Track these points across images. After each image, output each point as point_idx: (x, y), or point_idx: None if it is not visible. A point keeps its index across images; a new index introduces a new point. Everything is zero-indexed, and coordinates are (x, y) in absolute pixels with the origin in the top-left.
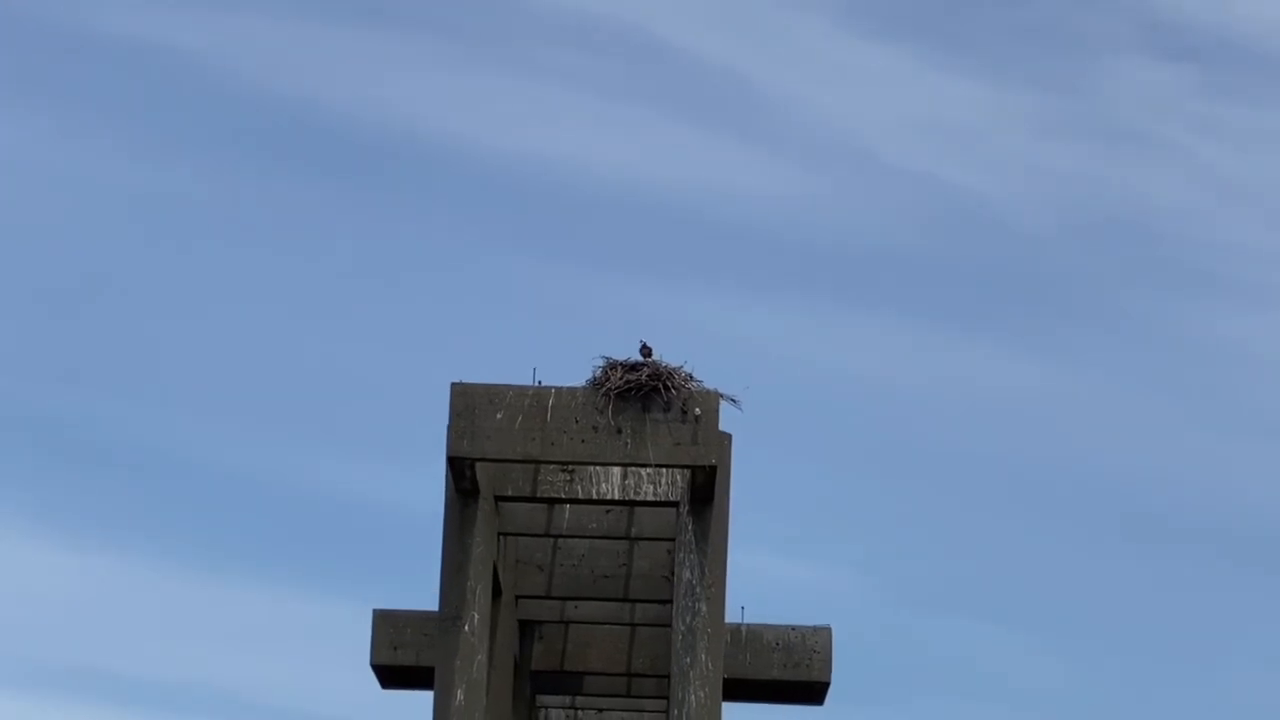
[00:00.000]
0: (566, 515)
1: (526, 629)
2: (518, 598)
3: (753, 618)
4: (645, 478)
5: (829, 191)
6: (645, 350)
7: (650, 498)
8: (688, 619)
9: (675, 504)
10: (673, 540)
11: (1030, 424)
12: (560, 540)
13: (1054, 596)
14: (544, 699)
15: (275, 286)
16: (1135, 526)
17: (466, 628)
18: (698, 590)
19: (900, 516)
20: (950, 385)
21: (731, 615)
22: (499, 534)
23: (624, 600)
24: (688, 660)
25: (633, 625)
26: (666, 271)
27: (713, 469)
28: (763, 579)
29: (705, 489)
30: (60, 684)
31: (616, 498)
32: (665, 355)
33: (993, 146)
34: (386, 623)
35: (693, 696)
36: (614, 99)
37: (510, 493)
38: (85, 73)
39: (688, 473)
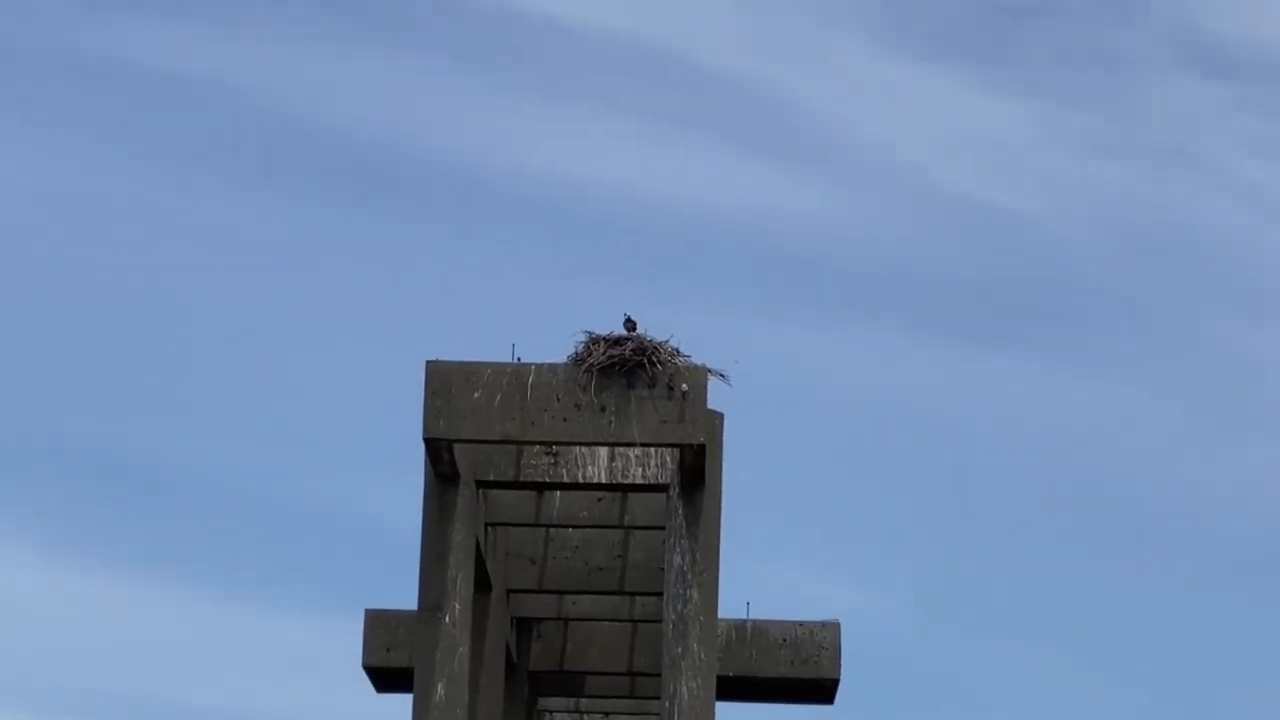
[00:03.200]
0: (557, 503)
1: (524, 627)
2: (509, 592)
3: (758, 613)
4: (634, 460)
5: (869, 212)
6: (629, 324)
7: (639, 480)
8: (679, 607)
9: (665, 487)
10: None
11: (1074, 441)
12: (552, 531)
13: (1074, 609)
14: (546, 701)
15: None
16: (1172, 544)
17: (447, 619)
18: (689, 577)
19: (930, 530)
20: (993, 404)
21: (736, 611)
22: (487, 524)
23: (621, 593)
24: (679, 650)
25: (633, 621)
26: (706, 291)
27: (701, 448)
28: (787, 593)
29: (695, 470)
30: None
31: (603, 481)
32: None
33: (1034, 166)
34: (379, 623)
35: (685, 688)
36: (652, 121)
37: (492, 477)
38: (102, 98)
39: (677, 454)
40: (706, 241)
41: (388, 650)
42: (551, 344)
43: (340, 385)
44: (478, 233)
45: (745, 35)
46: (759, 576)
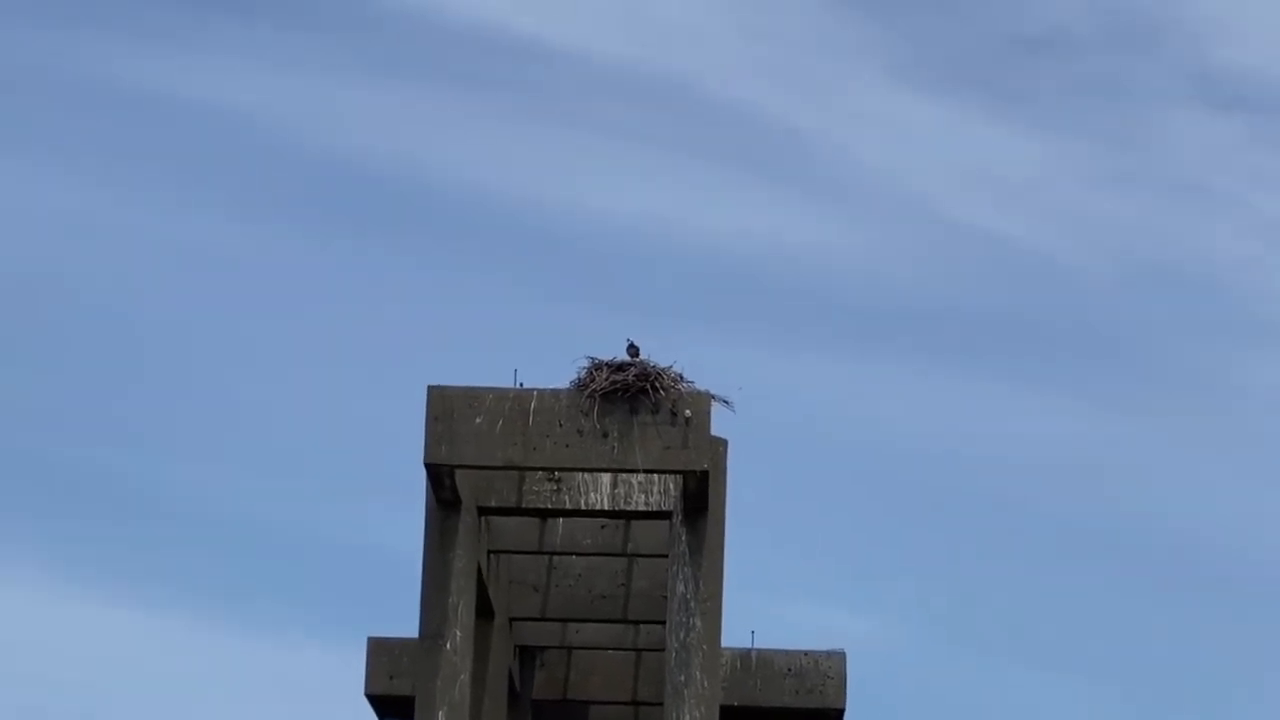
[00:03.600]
0: (560, 530)
1: (527, 655)
2: (512, 619)
3: (763, 643)
4: (636, 487)
5: (881, 243)
6: (632, 350)
7: (642, 507)
8: (681, 635)
9: (668, 514)
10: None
11: (1085, 472)
12: (555, 558)
13: (1083, 638)
14: None
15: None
16: (1185, 574)
17: (448, 646)
18: (692, 604)
19: (938, 561)
20: (1002, 434)
21: (741, 640)
22: (489, 551)
23: (624, 622)
24: (681, 678)
25: (637, 650)
26: (715, 322)
27: (705, 475)
28: (792, 623)
29: (698, 496)
30: None
31: (606, 508)
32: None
33: (1046, 199)
34: (382, 651)
35: (688, 717)
36: (663, 151)
37: (494, 504)
38: (137, 131)
39: (680, 480)
40: (715, 272)
41: (390, 678)
42: (554, 369)
43: (343, 411)
44: (485, 261)
45: (757, 66)
46: (764, 606)
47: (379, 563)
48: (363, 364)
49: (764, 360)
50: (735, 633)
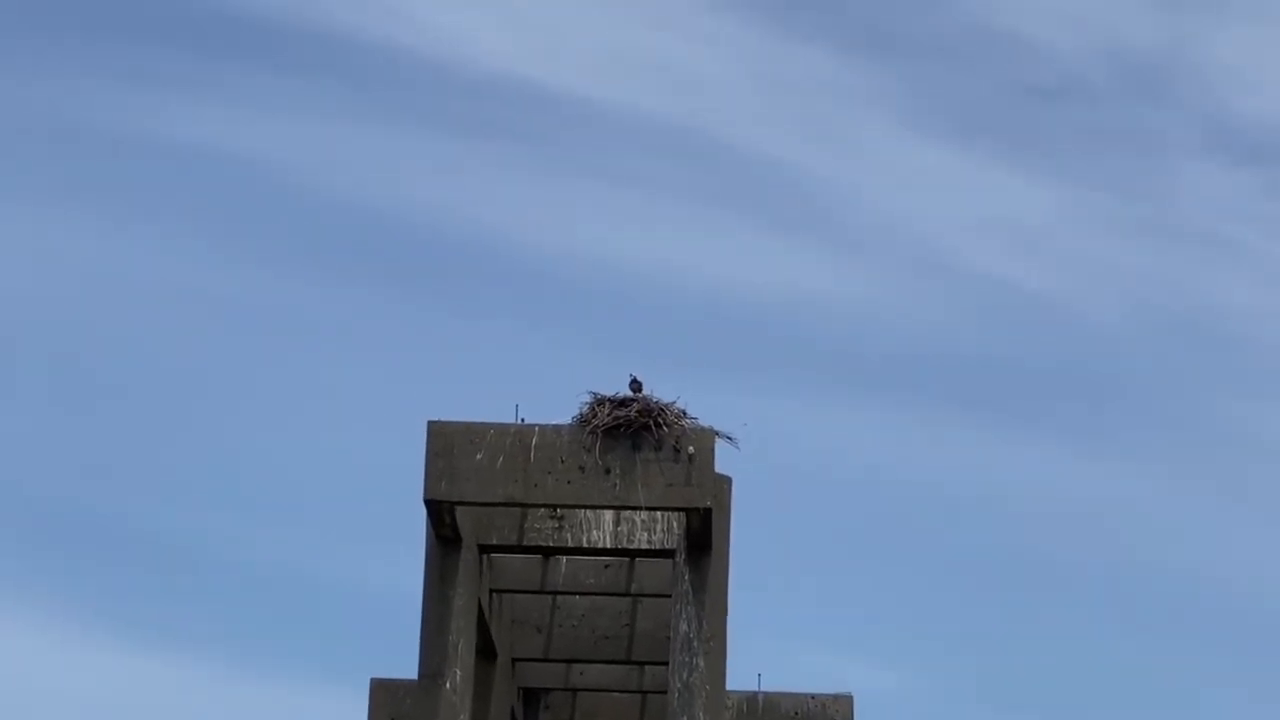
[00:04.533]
0: (563, 570)
1: (531, 697)
2: (515, 660)
3: (770, 686)
4: (639, 525)
5: (893, 291)
6: (635, 385)
7: (645, 545)
8: (684, 675)
9: (671, 553)
10: None
11: (1097, 523)
12: (559, 598)
13: (1095, 692)
14: None
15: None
16: (1203, 628)
17: (448, 685)
18: (695, 644)
19: (948, 610)
20: (1016, 484)
21: (748, 683)
22: (491, 590)
23: (629, 663)
24: (684, 719)
25: (642, 692)
26: (727, 369)
27: (708, 512)
28: (798, 668)
29: (702, 534)
30: None
31: (609, 546)
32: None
33: (1059, 247)
34: (384, 692)
35: None
36: (680, 200)
37: (495, 541)
38: (159, 180)
39: (683, 518)
40: (726, 318)
41: None
42: (556, 406)
43: (346, 451)
44: (491, 307)
45: (769, 114)
46: (770, 650)
47: (383, 603)
48: (365, 402)
49: (773, 405)
50: (741, 675)
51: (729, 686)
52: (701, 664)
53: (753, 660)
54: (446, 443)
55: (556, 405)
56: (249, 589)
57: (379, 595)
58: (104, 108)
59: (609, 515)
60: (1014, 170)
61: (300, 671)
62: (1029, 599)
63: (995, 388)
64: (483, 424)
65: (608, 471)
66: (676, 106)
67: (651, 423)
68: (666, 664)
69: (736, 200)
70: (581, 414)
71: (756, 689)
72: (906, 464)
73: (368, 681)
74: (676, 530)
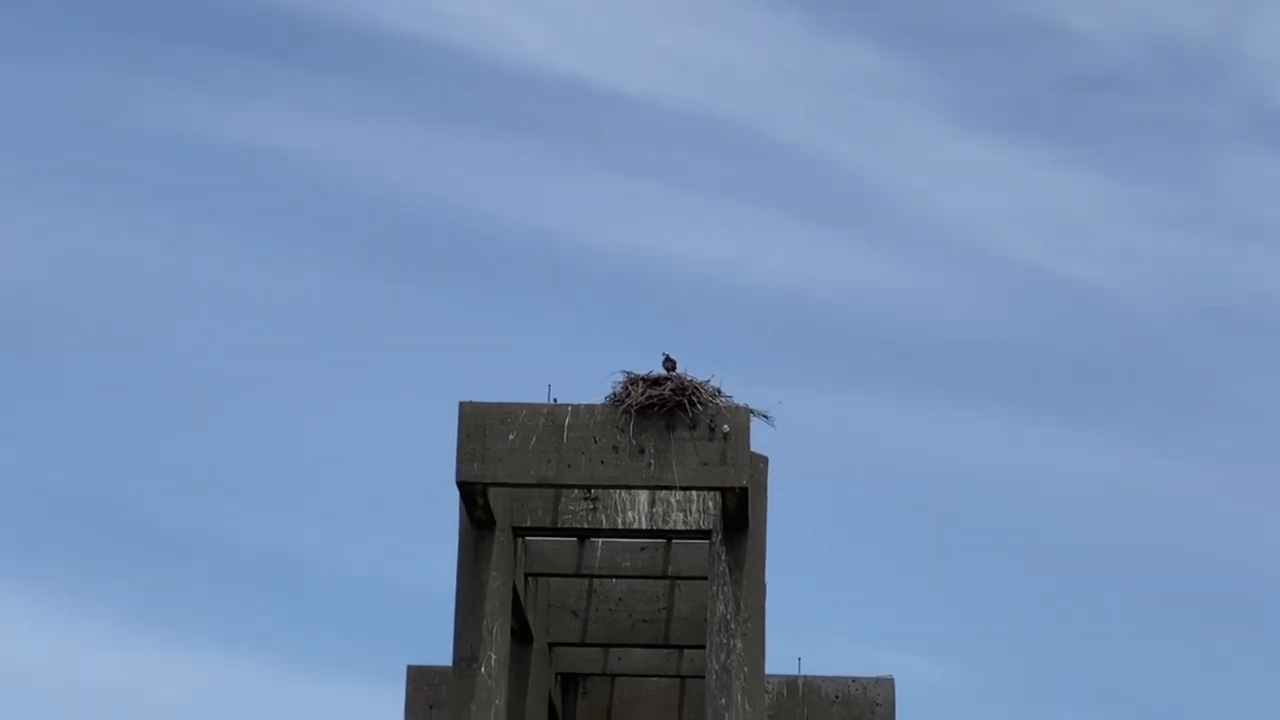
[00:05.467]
0: (599, 553)
1: (569, 683)
2: (551, 645)
3: (810, 670)
4: (674, 505)
5: (938, 283)
6: (669, 363)
7: (680, 526)
8: (722, 657)
9: (708, 533)
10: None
11: (1137, 512)
12: (595, 582)
13: (1138, 680)
14: None
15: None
16: (1246, 618)
17: (483, 669)
18: (732, 625)
19: (992, 598)
20: (1057, 474)
21: (788, 666)
22: (527, 575)
23: (667, 646)
24: (723, 702)
25: (681, 677)
26: (770, 360)
27: (744, 491)
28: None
29: (738, 514)
30: None
31: (644, 527)
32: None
33: (1104, 238)
34: (422, 679)
35: None
36: (723, 194)
37: (529, 523)
38: (206, 180)
39: (719, 498)
40: (768, 310)
41: (430, 708)
42: (589, 387)
43: (379, 441)
44: (531, 300)
45: (812, 108)
46: (810, 639)
47: (421, 592)
48: (400, 390)
49: (814, 395)
50: (782, 660)
51: (769, 671)
52: (739, 645)
53: (793, 648)
54: (478, 423)
55: (590, 389)
56: (287, 581)
57: (418, 584)
58: (139, 106)
59: (644, 496)
60: (1057, 161)
61: (338, 662)
62: (1068, 586)
63: (1039, 377)
64: (515, 404)
65: (642, 451)
66: (716, 100)
67: (686, 401)
68: (703, 647)
69: (777, 193)
70: (615, 393)
71: (797, 673)
72: (948, 452)
73: (404, 669)
74: (713, 510)
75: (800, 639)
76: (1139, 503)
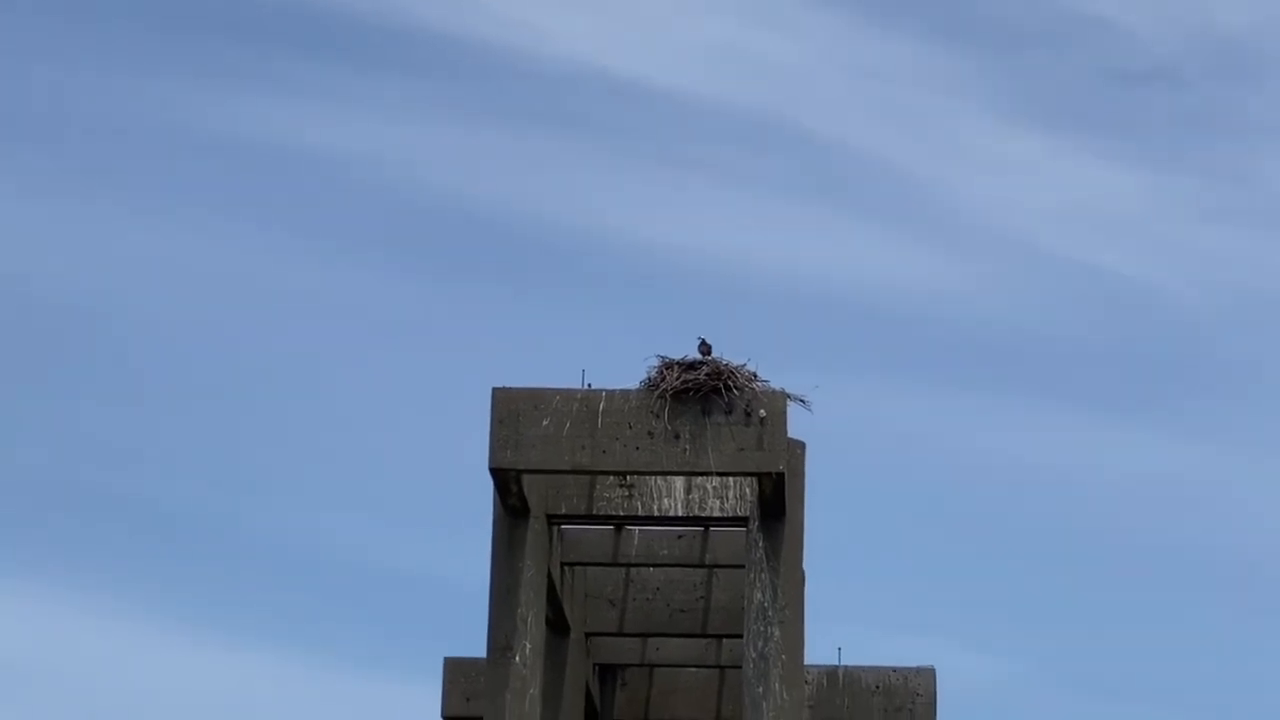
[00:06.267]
0: (635, 542)
1: (607, 674)
2: (588, 635)
3: (851, 660)
4: (711, 492)
5: (987, 280)
6: (704, 348)
7: (717, 513)
8: (759, 645)
9: (745, 520)
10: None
11: (1188, 507)
12: (632, 571)
13: (1181, 673)
14: None
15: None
16: None
17: (517, 658)
18: (769, 613)
19: (1053, 599)
20: (1106, 469)
21: (828, 656)
22: (563, 564)
23: (705, 636)
24: (760, 690)
25: (720, 667)
26: (817, 356)
27: (780, 476)
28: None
29: (775, 501)
30: None
31: (680, 514)
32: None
33: (1153, 232)
34: (459, 671)
35: None
36: (766, 190)
37: (564, 510)
38: (243, 177)
39: (755, 484)
40: (821, 307)
41: (467, 699)
42: (623, 372)
43: (414, 434)
44: (570, 293)
45: (858, 103)
46: (851, 633)
47: (459, 584)
48: (434, 381)
49: (863, 391)
50: (822, 650)
51: (809, 661)
52: (777, 633)
53: (834, 638)
54: (512, 409)
55: (624, 374)
56: (324, 574)
57: (457, 575)
58: (180, 104)
59: (680, 483)
60: (1104, 156)
61: (376, 655)
62: (1111, 579)
63: (1084, 370)
64: (548, 389)
65: (677, 436)
66: (763, 97)
67: (721, 386)
68: (741, 637)
69: (822, 188)
70: (649, 378)
71: (837, 663)
72: (995, 447)
73: (441, 661)
74: (750, 497)
75: (841, 629)
76: (1184, 496)
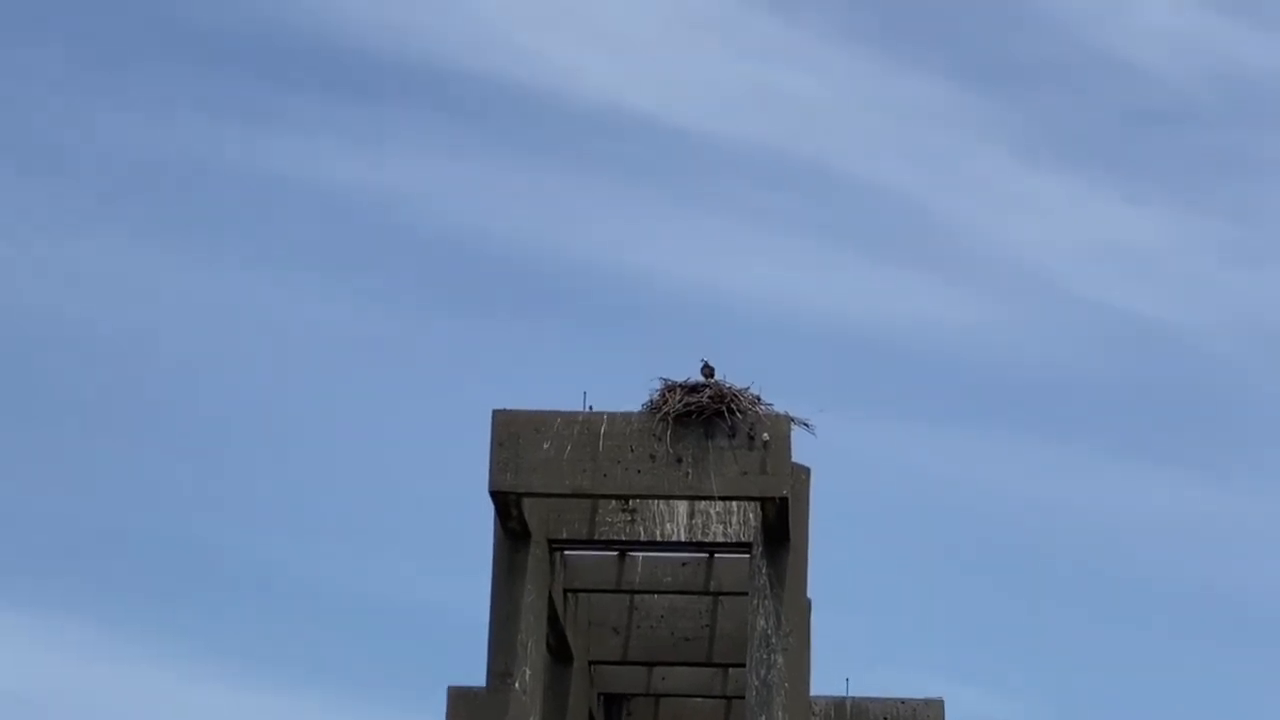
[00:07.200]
0: (639, 569)
1: (613, 704)
2: (592, 664)
3: (858, 690)
4: (714, 517)
5: (1008, 320)
6: (707, 370)
7: (720, 539)
8: (762, 673)
9: (748, 545)
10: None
11: (1215, 551)
12: (637, 599)
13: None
14: None
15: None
16: None
17: (517, 685)
18: (773, 640)
19: (1068, 638)
20: (1133, 511)
21: (835, 687)
22: (566, 591)
23: (710, 665)
24: (763, 718)
25: (726, 698)
26: (838, 396)
27: (784, 502)
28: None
29: (779, 526)
30: None
31: (683, 539)
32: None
33: (1174, 273)
34: (462, 701)
35: None
36: (789, 229)
37: (565, 535)
38: (256, 211)
39: (759, 509)
40: (841, 347)
41: None
42: (626, 392)
43: (415, 462)
44: (593, 330)
45: (882, 143)
46: (859, 658)
47: (461, 612)
48: (436, 406)
49: (881, 430)
50: (829, 680)
51: (815, 692)
52: (780, 661)
53: (842, 670)
54: (512, 432)
55: (627, 397)
56: (324, 604)
57: (461, 605)
58: (203, 140)
59: (683, 508)
60: (1125, 196)
61: (378, 685)
62: (1125, 619)
63: (1104, 411)
64: (549, 412)
65: (679, 460)
66: (784, 135)
67: (725, 409)
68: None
69: (846, 228)
70: (652, 400)
71: (845, 695)
72: (1013, 485)
73: (445, 690)
74: (753, 522)
75: (849, 662)
76: (1205, 538)
